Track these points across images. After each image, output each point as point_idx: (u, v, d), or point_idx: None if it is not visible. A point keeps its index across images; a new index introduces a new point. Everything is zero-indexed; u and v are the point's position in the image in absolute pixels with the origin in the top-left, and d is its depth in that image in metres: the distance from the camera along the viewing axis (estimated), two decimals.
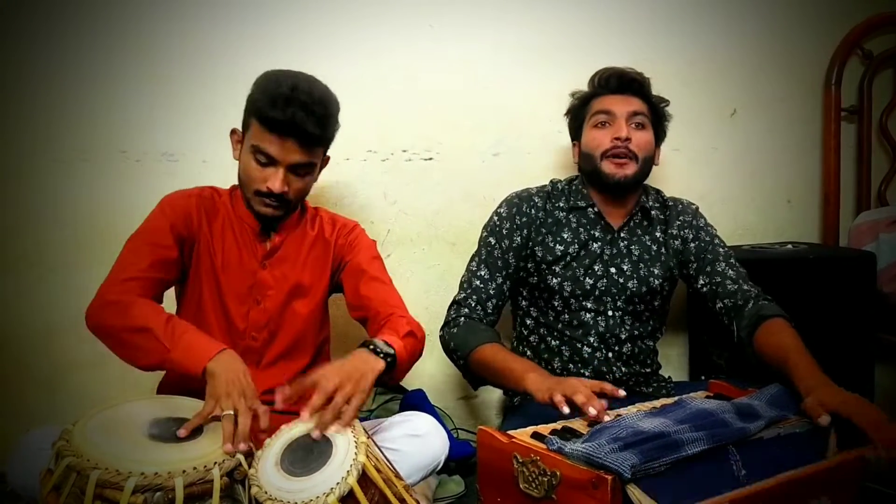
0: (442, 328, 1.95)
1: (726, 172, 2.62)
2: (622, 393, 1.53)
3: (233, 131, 1.75)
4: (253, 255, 1.77)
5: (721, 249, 1.99)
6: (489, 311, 1.94)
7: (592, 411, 1.44)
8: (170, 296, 1.77)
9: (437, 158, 2.41)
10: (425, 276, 2.43)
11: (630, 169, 1.90)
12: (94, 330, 1.53)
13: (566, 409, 1.47)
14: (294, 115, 1.59)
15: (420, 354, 1.69)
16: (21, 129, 2.16)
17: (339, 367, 1.45)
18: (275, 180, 1.65)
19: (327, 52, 2.29)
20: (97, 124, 2.19)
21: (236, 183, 1.78)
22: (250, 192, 1.70)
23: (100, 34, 2.17)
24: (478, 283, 1.94)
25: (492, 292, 1.94)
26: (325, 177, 2.32)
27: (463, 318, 1.90)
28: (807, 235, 2.70)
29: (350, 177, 2.35)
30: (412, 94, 2.37)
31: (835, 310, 2.26)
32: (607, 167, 1.91)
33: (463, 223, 2.42)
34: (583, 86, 2.48)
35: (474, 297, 1.93)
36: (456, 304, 1.95)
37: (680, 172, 2.54)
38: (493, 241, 1.96)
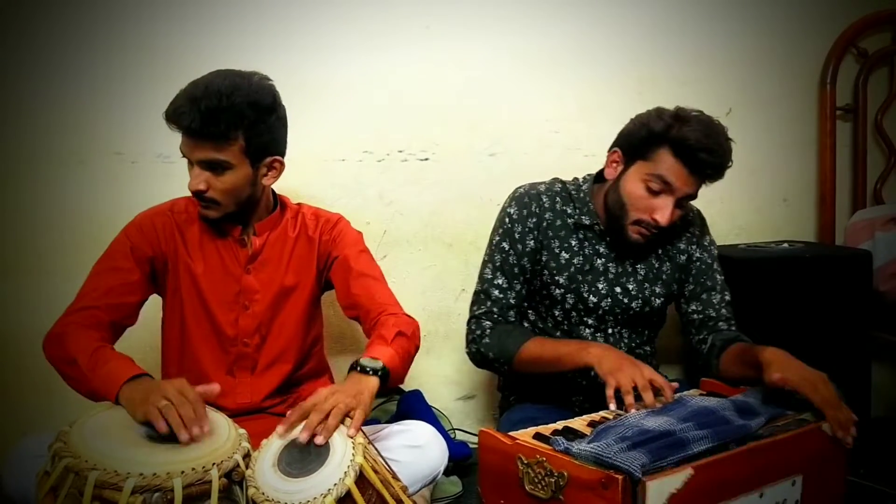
0: (469, 344, 1.88)
1: None
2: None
3: None
4: (235, 260, 1.75)
5: (719, 277, 1.94)
6: (511, 318, 1.88)
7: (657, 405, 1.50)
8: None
9: (433, 159, 2.41)
10: (421, 277, 2.43)
11: (648, 240, 1.82)
12: (47, 359, 1.56)
13: (612, 406, 1.52)
14: (176, 109, 1.58)
15: (416, 350, 1.68)
16: (18, 132, 2.15)
17: (334, 389, 1.45)
18: (192, 178, 1.65)
19: (324, 53, 2.29)
20: (93, 126, 2.19)
21: None
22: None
23: (97, 36, 2.17)
24: (496, 293, 1.87)
25: (512, 301, 1.87)
26: (322, 178, 2.33)
27: (489, 329, 1.84)
28: (803, 234, 2.70)
29: (346, 177, 2.35)
30: (408, 94, 2.37)
31: (831, 308, 2.27)
32: (632, 233, 1.79)
33: (459, 224, 2.42)
34: (577, 86, 2.48)
35: (495, 308, 1.86)
36: (476, 318, 1.88)
37: None
38: (506, 246, 1.87)
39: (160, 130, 2.16)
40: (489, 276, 1.88)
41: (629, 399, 1.50)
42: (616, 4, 2.49)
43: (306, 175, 2.29)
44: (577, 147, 2.43)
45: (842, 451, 1.49)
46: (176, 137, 1.63)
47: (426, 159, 2.40)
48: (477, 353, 1.87)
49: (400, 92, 2.36)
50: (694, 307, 1.92)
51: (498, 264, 1.88)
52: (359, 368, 1.50)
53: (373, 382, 1.48)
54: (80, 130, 2.19)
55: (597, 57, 2.48)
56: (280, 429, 1.40)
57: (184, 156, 1.66)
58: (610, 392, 1.53)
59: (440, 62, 2.38)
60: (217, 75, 1.63)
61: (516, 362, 1.80)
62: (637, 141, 1.77)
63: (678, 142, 1.70)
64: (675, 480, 1.21)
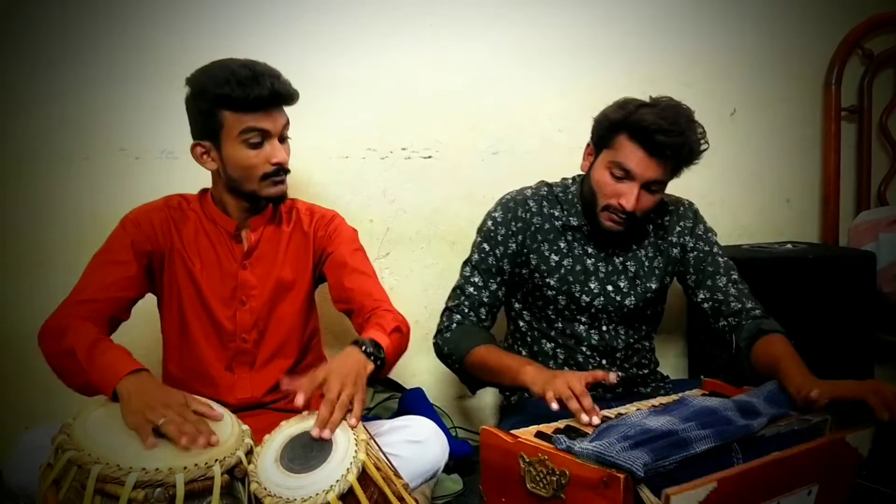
0: (435, 335, 1.92)
1: (726, 172, 2.63)
2: (613, 377, 1.56)
3: (195, 147, 1.68)
4: (231, 256, 1.75)
5: (721, 260, 1.93)
6: (483, 316, 1.91)
7: (585, 418, 1.46)
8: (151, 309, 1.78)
9: (436, 157, 2.41)
10: (424, 275, 2.43)
11: (624, 227, 1.82)
12: (41, 350, 1.52)
13: (555, 406, 1.51)
14: (273, 85, 1.60)
15: (405, 349, 1.68)
16: (21, 129, 2.15)
17: (339, 369, 1.45)
18: (278, 152, 1.65)
19: (328, 51, 2.29)
20: (97, 122, 2.19)
21: (205, 187, 1.78)
22: (254, 182, 1.66)
23: (100, 33, 2.17)
24: (471, 289, 1.90)
25: (485, 299, 1.90)
26: (325, 175, 2.33)
27: (455, 324, 1.88)
28: (806, 235, 2.70)
29: (349, 175, 2.35)
30: (412, 92, 2.37)
31: (834, 310, 2.27)
32: (605, 220, 1.81)
33: (462, 222, 2.42)
34: (581, 86, 2.48)
35: (467, 303, 1.90)
36: (448, 310, 1.92)
37: None
38: (487, 247, 1.92)
39: (164, 126, 2.20)
40: (467, 274, 1.93)
41: (573, 404, 1.49)
42: (620, 5, 2.49)
43: (310, 172, 2.29)
44: (579, 146, 2.40)
45: (856, 457, 1.47)
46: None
47: (429, 157, 2.40)
48: (436, 345, 1.91)
49: (404, 90, 2.36)
50: (704, 295, 1.91)
51: (475, 263, 1.93)
52: (363, 348, 1.51)
53: (370, 367, 1.50)
54: (84, 127, 2.19)
55: (599, 57, 2.48)
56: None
57: (252, 139, 1.63)
58: (549, 395, 1.52)
59: (444, 61, 2.38)
60: (232, 61, 1.63)
61: (466, 363, 1.83)
62: (602, 131, 1.82)
63: (634, 126, 1.73)
64: (699, 493, 1.20)
